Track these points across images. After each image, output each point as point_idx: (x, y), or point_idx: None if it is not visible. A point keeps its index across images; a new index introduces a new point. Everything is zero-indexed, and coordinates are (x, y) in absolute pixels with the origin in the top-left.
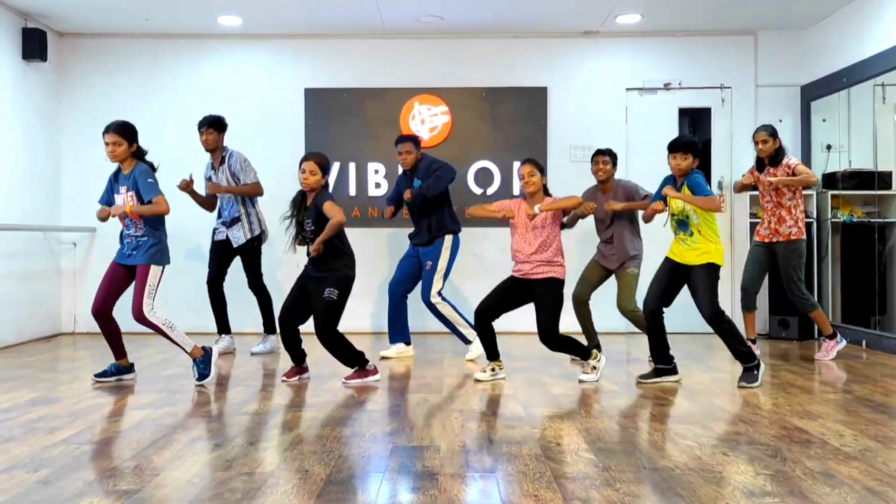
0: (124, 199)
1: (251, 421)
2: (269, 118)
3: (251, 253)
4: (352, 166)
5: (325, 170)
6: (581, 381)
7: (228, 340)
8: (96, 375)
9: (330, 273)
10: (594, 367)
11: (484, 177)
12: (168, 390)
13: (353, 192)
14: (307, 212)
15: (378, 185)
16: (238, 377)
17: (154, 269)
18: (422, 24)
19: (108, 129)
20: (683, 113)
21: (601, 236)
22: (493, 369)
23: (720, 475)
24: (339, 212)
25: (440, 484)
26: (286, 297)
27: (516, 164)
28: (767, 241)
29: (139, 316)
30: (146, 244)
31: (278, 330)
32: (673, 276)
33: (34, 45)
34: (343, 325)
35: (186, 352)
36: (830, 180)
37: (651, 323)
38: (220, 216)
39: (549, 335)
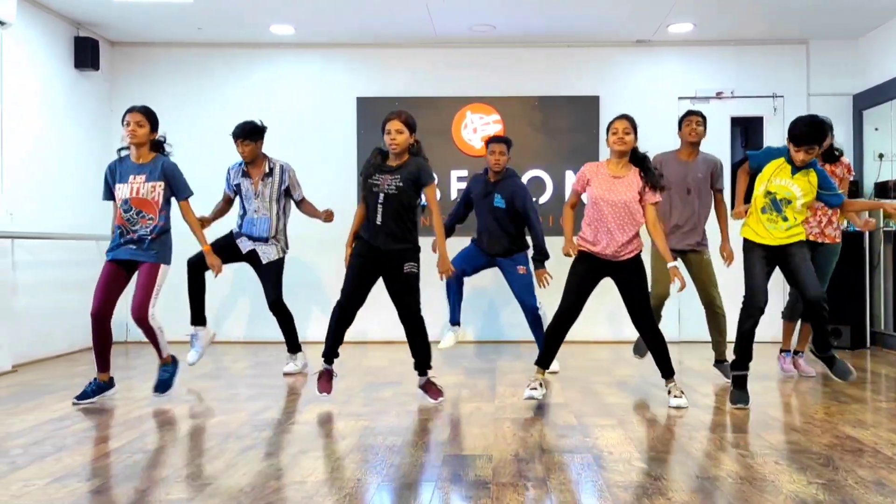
0: (139, 187)
1: (303, 430)
2: (320, 127)
3: (278, 268)
4: None
5: (412, 128)
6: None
7: (203, 332)
8: (77, 398)
9: (411, 245)
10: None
11: (536, 186)
12: (219, 399)
13: None
14: (392, 173)
15: None
16: (288, 386)
17: (163, 269)
18: (474, 34)
19: (132, 109)
20: (735, 122)
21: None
22: (540, 384)
23: (772, 484)
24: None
25: (492, 493)
26: (346, 282)
27: (568, 173)
28: (811, 240)
29: (141, 317)
30: (157, 241)
31: (337, 317)
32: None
33: (86, 53)
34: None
35: (161, 356)
36: (882, 189)
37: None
38: (242, 228)
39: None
